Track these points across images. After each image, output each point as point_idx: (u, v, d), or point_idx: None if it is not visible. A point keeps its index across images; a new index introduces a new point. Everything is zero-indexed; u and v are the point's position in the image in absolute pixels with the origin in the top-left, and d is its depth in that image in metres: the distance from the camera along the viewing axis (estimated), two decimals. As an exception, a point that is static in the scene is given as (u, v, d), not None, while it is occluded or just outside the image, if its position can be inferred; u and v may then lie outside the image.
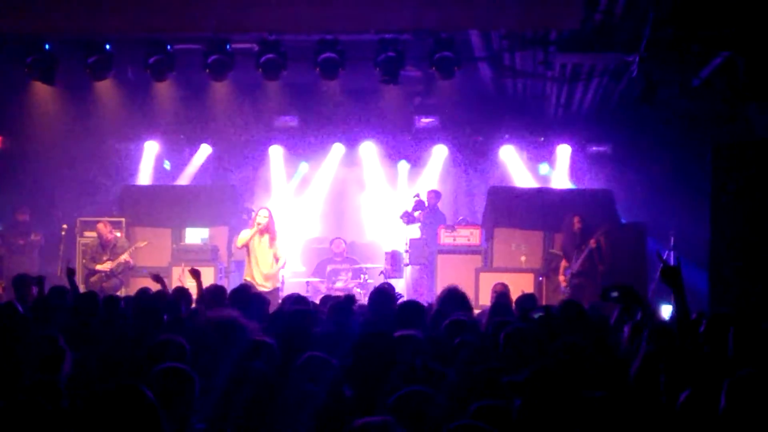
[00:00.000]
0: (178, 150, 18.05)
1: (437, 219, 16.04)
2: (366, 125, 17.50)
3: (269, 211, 13.96)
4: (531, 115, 17.13)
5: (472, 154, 17.77)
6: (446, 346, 6.25)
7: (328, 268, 16.24)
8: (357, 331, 6.41)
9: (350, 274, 16.00)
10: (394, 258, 15.49)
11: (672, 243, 15.13)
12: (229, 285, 12.98)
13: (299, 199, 18.28)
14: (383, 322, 7.38)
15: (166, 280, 10.71)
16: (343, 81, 14.85)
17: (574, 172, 17.44)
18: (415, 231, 16.08)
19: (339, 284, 15.79)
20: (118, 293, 13.44)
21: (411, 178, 18.18)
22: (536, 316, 7.30)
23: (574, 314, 7.03)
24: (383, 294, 8.77)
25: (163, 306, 8.27)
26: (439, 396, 4.72)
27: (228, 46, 13.99)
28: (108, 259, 14.62)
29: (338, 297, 10.34)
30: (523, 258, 15.02)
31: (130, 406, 4.09)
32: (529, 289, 13.12)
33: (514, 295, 10.11)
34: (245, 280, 13.40)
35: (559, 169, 17.57)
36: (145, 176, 17.72)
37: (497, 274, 14.02)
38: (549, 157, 17.68)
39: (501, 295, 10.60)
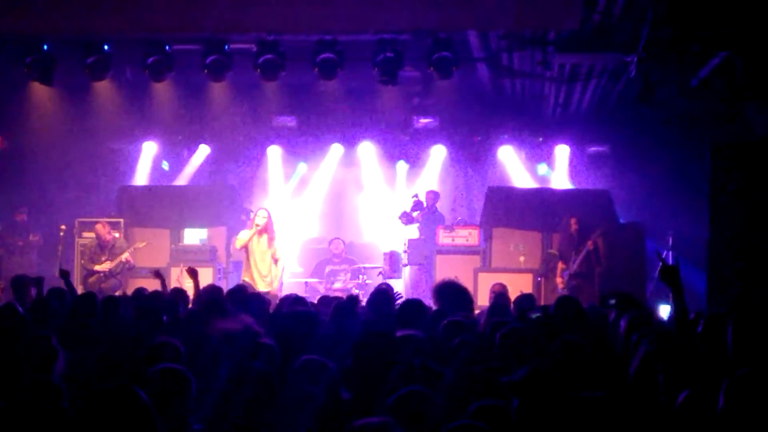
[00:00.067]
0: (176, 150, 18.04)
1: (436, 219, 16.04)
2: (364, 125, 17.50)
3: (268, 212, 13.96)
4: (529, 115, 17.13)
5: (471, 154, 17.77)
6: (444, 346, 6.25)
7: (327, 268, 16.24)
8: (358, 331, 6.42)
9: (349, 275, 16.00)
10: (392, 258, 15.49)
11: (671, 243, 15.13)
12: (228, 286, 12.97)
13: (298, 200, 18.28)
14: (384, 322, 7.38)
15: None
16: (342, 81, 14.86)
17: (573, 172, 17.45)
18: (413, 231, 16.08)
19: (337, 285, 15.78)
20: (117, 293, 13.43)
21: (409, 179, 18.17)
22: (534, 316, 7.30)
23: (570, 312, 7.03)
24: (383, 295, 8.77)
25: (160, 306, 8.27)
26: (438, 396, 4.72)
27: (226, 47, 14.00)
28: (106, 260, 14.61)
29: (337, 297, 10.35)
30: (521, 258, 15.01)
31: (123, 406, 4.11)
32: (528, 289, 13.13)
33: (513, 296, 10.10)
34: (243, 280, 13.40)
35: (557, 170, 17.57)
36: (143, 177, 17.71)
37: (496, 274, 14.02)
38: (547, 158, 17.69)
39: (499, 295, 10.59)
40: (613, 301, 7.57)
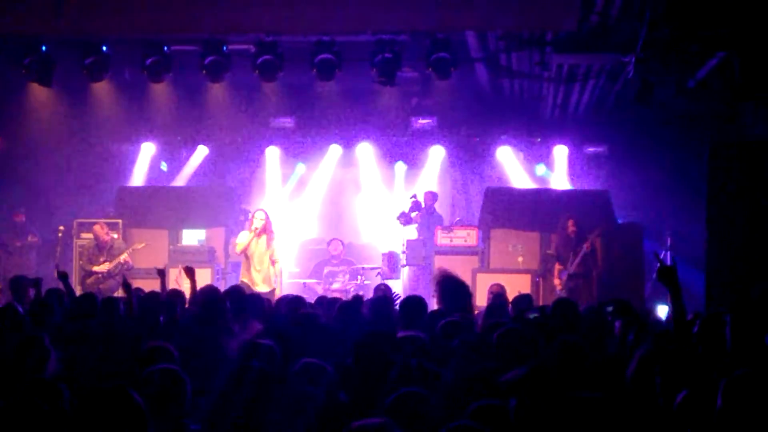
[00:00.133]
0: (174, 151, 18.04)
1: (434, 220, 16.04)
2: (363, 126, 17.49)
3: (266, 213, 13.96)
4: (528, 115, 17.13)
5: (469, 154, 17.78)
6: (442, 346, 6.25)
7: (325, 269, 16.22)
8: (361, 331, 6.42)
9: (347, 276, 15.99)
10: (391, 259, 15.49)
11: (669, 243, 15.14)
12: (227, 287, 12.95)
13: (296, 201, 18.27)
14: (385, 323, 7.39)
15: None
16: (340, 82, 14.85)
17: (571, 172, 17.45)
18: (412, 232, 16.07)
19: (336, 285, 15.77)
20: (115, 294, 13.42)
21: (408, 179, 18.17)
22: (531, 316, 7.31)
23: (567, 313, 7.04)
24: (383, 300, 8.78)
25: (156, 307, 8.27)
26: (436, 397, 4.72)
27: (225, 48, 13.99)
28: (105, 261, 14.61)
29: (335, 298, 10.36)
30: (520, 259, 15.01)
31: (116, 407, 4.12)
32: (526, 289, 13.11)
33: (511, 296, 10.11)
34: (242, 281, 13.39)
35: (556, 170, 17.58)
36: (141, 177, 17.70)
37: (494, 274, 14.01)
38: (546, 158, 17.69)
39: (497, 296, 10.61)
40: (610, 308, 7.59)
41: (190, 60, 14.26)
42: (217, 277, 14.83)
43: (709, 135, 13.90)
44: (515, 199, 15.67)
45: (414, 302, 7.81)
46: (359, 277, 15.84)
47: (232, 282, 14.52)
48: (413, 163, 18.13)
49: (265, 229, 13.71)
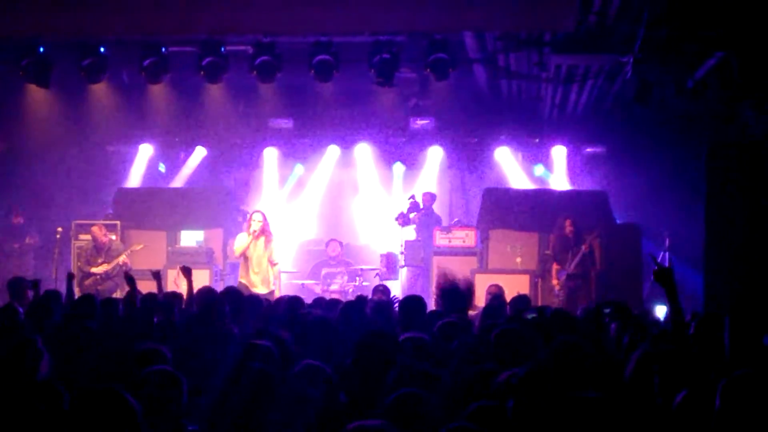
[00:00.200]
0: (172, 152, 18.03)
1: (432, 221, 16.04)
2: (361, 127, 17.49)
3: (263, 214, 13.92)
4: (526, 116, 17.13)
5: (468, 155, 17.79)
6: (440, 347, 6.24)
7: (324, 270, 16.20)
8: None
9: (346, 277, 15.97)
10: (389, 260, 15.48)
11: (667, 244, 15.13)
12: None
13: (294, 201, 18.27)
14: (386, 324, 7.40)
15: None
16: (338, 83, 14.84)
17: (570, 173, 17.45)
18: (410, 233, 16.07)
19: (334, 287, 15.75)
20: (114, 295, 13.42)
21: (406, 180, 18.17)
22: (530, 317, 7.31)
23: (565, 323, 7.04)
24: (384, 303, 8.77)
25: (153, 308, 8.25)
26: (435, 398, 4.71)
27: (222, 49, 13.99)
28: (103, 262, 14.59)
29: (333, 299, 10.34)
30: (518, 259, 15.01)
31: (109, 409, 4.11)
32: (525, 290, 13.12)
33: (510, 297, 10.10)
34: (240, 282, 13.38)
35: (554, 171, 17.58)
36: (139, 179, 17.70)
37: (493, 275, 13.99)
38: (544, 159, 17.70)
39: (495, 296, 10.60)
40: (608, 310, 7.59)
41: (188, 61, 14.26)
42: (216, 279, 14.82)
43: (708, 135, 13.91)
44: (514, 200, 15.67)
45: (414, 302, 7.80)
46: (357, 278, 15.83)
47: (230, 283, 14.50)
48: (411, 163, 18.13)
49: (263, 231, 13.68)
